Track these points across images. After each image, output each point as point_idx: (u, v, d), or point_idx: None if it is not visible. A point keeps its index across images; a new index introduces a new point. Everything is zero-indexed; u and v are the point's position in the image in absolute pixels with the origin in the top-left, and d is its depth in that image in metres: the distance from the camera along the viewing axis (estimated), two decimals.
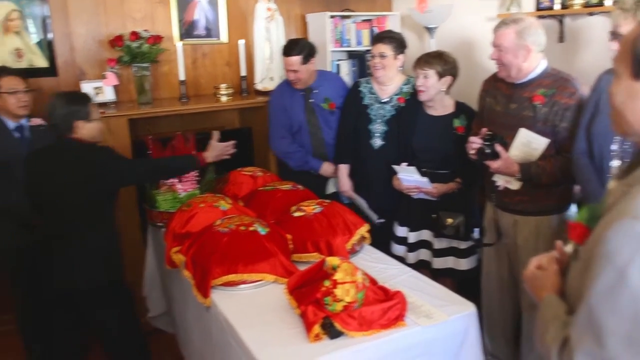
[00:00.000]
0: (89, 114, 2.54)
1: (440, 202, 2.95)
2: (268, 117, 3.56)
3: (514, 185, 2.56)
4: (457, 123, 2.98)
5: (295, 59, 3.30)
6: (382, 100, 3.24)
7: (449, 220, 2.86)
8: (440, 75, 2.92)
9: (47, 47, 3.50)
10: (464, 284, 2.99)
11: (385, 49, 3.14)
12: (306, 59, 3.32)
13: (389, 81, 3.23)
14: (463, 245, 2.95)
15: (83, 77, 3.57)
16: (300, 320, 1.94)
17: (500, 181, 2.60)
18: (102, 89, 3.47)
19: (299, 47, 3.32)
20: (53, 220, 2.56)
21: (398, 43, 3.19)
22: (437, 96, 2.97)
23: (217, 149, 2.98)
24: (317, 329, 1.86)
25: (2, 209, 2.91)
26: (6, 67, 3.09)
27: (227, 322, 2.04)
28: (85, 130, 2.53)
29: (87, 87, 3.43)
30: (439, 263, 3.02)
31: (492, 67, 2.76)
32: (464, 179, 2.94)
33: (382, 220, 3.22)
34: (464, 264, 2.99)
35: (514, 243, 2.65)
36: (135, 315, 2.78)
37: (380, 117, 3.22)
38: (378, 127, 3.23)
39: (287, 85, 3.50)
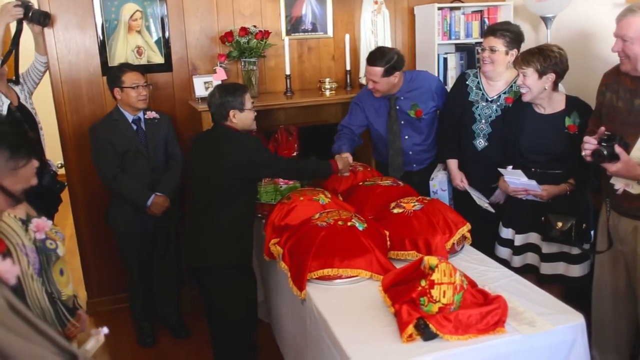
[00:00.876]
0: (242, 104, 2.68)
1: (550, 204, 2.76)
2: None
3: (635, 189, 2.33)
4: (568, 122, 2.76)
5: (377, 70, 3.11)
6: (489, 99, 3.09)
7: (559, 224, 2.67)
8: (541, 73, 2.69)
9: (164, 44, 3.71)
10: (572, 293, 2.78)
11: (497, 42, 2.97)
12: (388, 72, 3.12)
13: (497, 77, 3.07)
14: (575, 250, 2.74)
15: (195, 72, 3.75)
16: (394, 319, 1.92)
17: (619, 184, 2.38)
18: (211, 84, 3.62)
19: (384, 59, 3.10)
20: (198, 198, 2.74)
21: (512, 37, 2.98)
22: (543, 94, 2.76)
23: (348, 165, 3.04)
24: (410, 329, 1.82)
25: (123, 195, 3.13)
26: (128, 64, 3.33)
27: (321, 316, 2.05)
28: (237, 119, 2.68)
29: (198, 82, 3.61)
30: (548, 268, 2.82)
31: (615, 60, 2.53)
32: (576, 179, 2.73)
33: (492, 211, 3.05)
34: (575, 271, 2.78)
35: (633, 251, 2.42)
36: (253, 302, 2.89)
37: (485, 117, 3.07)
38: (482, 127, 3.08)
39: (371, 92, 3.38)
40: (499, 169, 2.83)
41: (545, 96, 2.76)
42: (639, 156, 2.27)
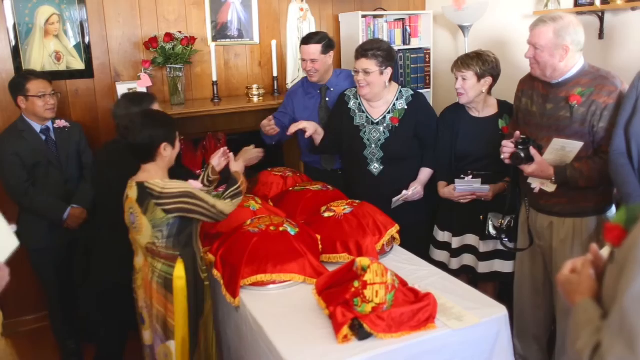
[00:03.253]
0: None
1: (487, 204, 2.87)
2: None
3: (550, 187, 2.49)
4: (502, 123, 2.91)
5: (315, 48, 3.19)
6: (374, 121, 3.01)
7: (500, 222, 2.78)
8: (479, 76, 2.83)
9: (85, 49, 3.57)
10: (505, 290, 2.92)
11: (369, 64, 2.88)
12: (325, 50, 3.23)
13: (376, 98, 2.99)
14: (510, 246, 2.84)
15: (118, 79, 3.64)
16: (329, 321, 1.94)
17: (536, 184, 2.53)
18: (135, 90, 3.53)
19: (318, 37, 3.24)
20: (98, 219, 2.64)
21: (384, 56, 2.89)
22: (479, 97, 2.89)
23: (249, 154, 2.87)
24: (345, 330, 1.86)
25: (36, 209, 2.98)
26: (33, 71, 3.14)
27: (256, 322, 2.05)
28: None
29: (121, 88, 3.49)
30: (485, 267, 2.94)
31: (528, 67, 2.69)
32: (512, 178, 2.84)
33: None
34: (509, 267, 2.90)
35: (549, 245, 2.58)
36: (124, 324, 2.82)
37: (374, 142, 3.00)
38: (374, 152, 3.01)
39: (302, 85, 3.46)
40: (456, 180, 2.88)
41: (481, 100, 2.90)
42: (551, 158, 2.43)
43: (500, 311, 2.01)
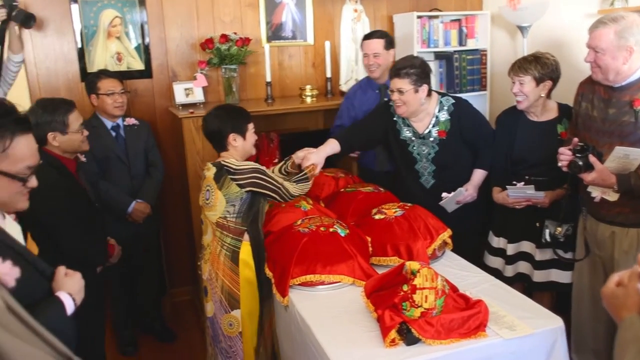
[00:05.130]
0: (65, 125, 2.43)
1: (544, 211, 2.77)
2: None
3: (612, 196, 2.38)
4: (561, 129, 2.80)
5: (378, 42, 3.26)
6: (421, 135, 2.96)
7: (558, 229, 2.69)
8: (538, 80, 2.73)
9: (144, 50, 3.69)
10: (561, 301, 2.82)
11: (403, 83, 2.80)
12: (387, 46, 3.29)
13: (415, 115, 2.92)
14: (567, 256, 2.74)
15: (175, 79, 3.74)
16: (377, 324, 1.92)
17: (596, 192, 2.43)
18: (192, 90, 3.62)
19: (380, 33, 3.33)
20: None
21: (418, 73, 2.81)
22: (538, 102, 2.80)
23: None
24: (393, 334, 1.84)
25: (103, 202, 3.09)
26: (105, 70, 3.30)
27: (304, 322, 2.05)
28: (58, 142, 2.44)
29: (178, 88, 3.60)
30: (541, 276, 2.84)
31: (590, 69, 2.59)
32: (571, 185, 2.74)
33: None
34: (567, 277, 2.79)
35: (610, 256, 2.47)
36: None
37: (424, 156, 2.97)
38: (426, 166, 2.99)
39: (361, 85, 3.48)
40: (508, 187, 2.81)
41: (539, 104, 2.80)
42: (612, 166, 2.32)
43: (556, 322, 1.94)
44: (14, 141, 1.42)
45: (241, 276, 2.45)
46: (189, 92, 3.62)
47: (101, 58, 3.59)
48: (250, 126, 2.56)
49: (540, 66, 2.73)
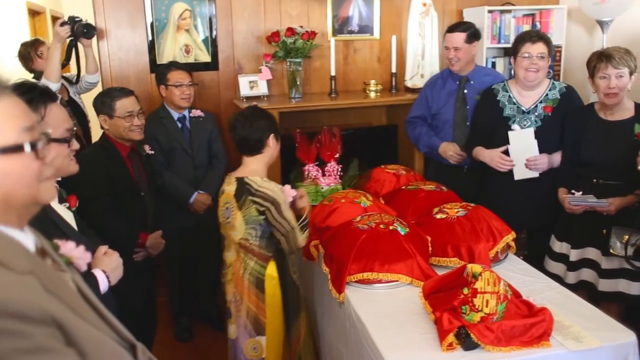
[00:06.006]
0: (112, 110, 2.57)
1: (612, 217, 2.60)
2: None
3: None
4: (638, 129, 2.61)
5: (459, 36, 3.18)
6: (526, 110, 2.94)
7: (625, 237, 2.52)
8: (631, 73, 2.58)
9: (211, 43, 3.76)
10: (632, 313, 2.64)
11: (545, 49, 2.84)
12: (470, 39, 3.20)
13: (537, 86, 2.93)
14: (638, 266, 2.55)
15: (240, 71, 3.79)
16: (434, 326, 1.87)
17: None
18: (256, 83, 3.65)
19: (464, 26, 3.25)
20: None
21: (551, 45, 2.91)
22: (621, 97, 2.63)
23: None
24: (451, 337, 1.78)
25: (167, 191, 3.17)
26: (175, 62, 3.37)
27: (360, 320, 2.02)
28: (108, 125, 2.60)
29: (243, 81, 3.64)
30: (607, 285, 2.65)
31: None
32: None
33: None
34: (637, 288, 2.60)
35: None
36: None
37: None
38: None
39: (442, 75, 3.41)
40: (566, 197, 2.69)
41: (620, 99, 2.64)
42: None
43: (628, 337, 1.82)
44: (47, 109, 1.59)
45: (268, 303, 2.33)
46: (254, 84, 3.65)
47: (170, 50, 3.68)
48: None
49: (632, 58, 2.59)
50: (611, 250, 2.56)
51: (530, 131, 2.87)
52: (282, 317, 2.37)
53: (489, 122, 3.01)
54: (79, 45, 3.26)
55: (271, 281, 2.32)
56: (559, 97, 2.90)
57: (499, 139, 2.93)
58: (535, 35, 2.91)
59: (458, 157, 3.18)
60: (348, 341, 2.18)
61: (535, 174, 2.87)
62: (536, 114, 2.92)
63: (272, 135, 2.37)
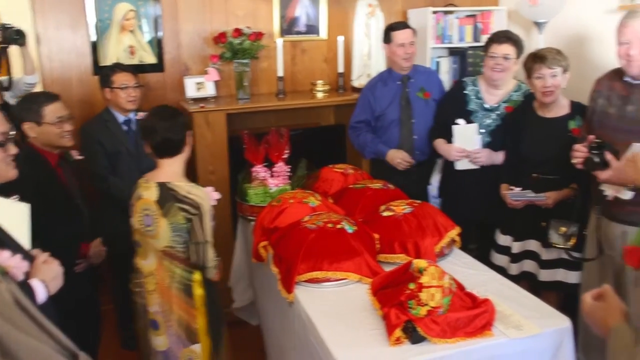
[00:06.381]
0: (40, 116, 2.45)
1: (551, 210, 2.75)
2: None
3: (626, 195, 2.33)
4: (572, 125, 2.75)
5: (410, 32, 3.32)
6: (489, 107, 3.09)
7: (562, 229, 2.65)
8: (564, 72, 2.73)
9: (157, 44, 3.70)
10: (570, 300, 2.77)
11: (511, 50, 2.99)
12: (414, 36, 3.36)
13: (503, 85, 3.09)
14: (578, 255, 2.69)
15: (187, 73, 3.74)
16: (382, 322, 1.91)
17: (610, 191, 2.38)
18: (203, 84, 3.62)
19: (408, 24, 3.40)
20: None
21: (520, 47, 3.05)
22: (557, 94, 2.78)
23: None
24: (398, 332, 1.82)
25: (112, 195, 3.10)
26: (119, 64, 3.30)
27: (309, 319, 2.04)
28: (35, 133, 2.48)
29: (189, 83, 3.60)
30: (547, 275, 2.81)
31: (608, 65, 2.53)
32: (580, 184, 2.71)
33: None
34: (573, 277, 2.76)
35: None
36: None
37: (484, 127, 3.08)
38: (483, 138, 3.08)
39: (382, 77, 3.48)
40: (506, 193, 2.83)
41: (556, 97, 2.77)
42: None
43: (563, 322, 1.91)
44: None
45: (198, 308, 2.21)
46: (201, 86, 3.62)
47: (114, 52, 3.61)
48: None
49: (563, 57, 2.73)
50: (550, 242, 2.68)
51: (474, 126, 2.98)
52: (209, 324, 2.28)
53: (452, 113, 3.13)
54: (13, 47, 3.13)
55: (198, 286, 2.21)
56: (522, 99, 3.02)
57: None
58: (503, 36, 3.05)
59: (406, 164, 3.25)
60: (297, 341, 2.19)
61: (476, 166, 3.03)
62: (498, 112, 3.06)
63: (188, 132, 2.32)
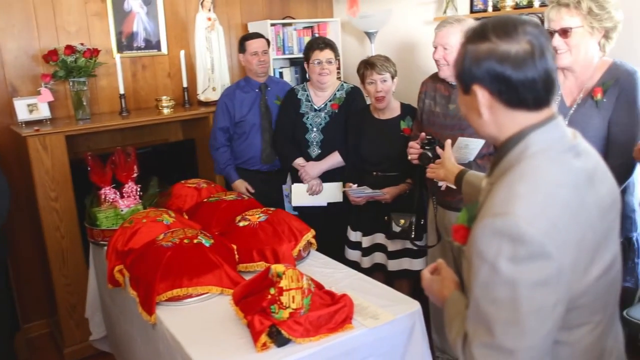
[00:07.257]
0: None
1: (392, 204, 2.98)
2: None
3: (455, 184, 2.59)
4: (403, 125, 3.02)
5: (264, 42, 3.50)
6: (317, 108, 3.34)
7: (401, 221, 2.89)
8: (393, 77, 2.98)
9: None
10: (419, 286, 3.01)
11: (332, 55, 3.26)
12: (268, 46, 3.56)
13: (328, 87, 3.33)
14: (420, 244, 2.97)
15: (15, 94, 3.44)
16: (248, 330, 1.92)
17: (442, 182, 2.63)
18: (36, 106, 3.36)
19: (262, 34, 3.58)
20: None
21: (336, 50, 3.35)
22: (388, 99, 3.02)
23: None
24: (264, 338, 1.85)
25: None
26: None
27: (174, 338, 2.00)
28: None
29: (20, 104, 3.32)
30: (394, 265, 3.04)
31: (432, 69, 2.80)
32: (414, 179, 2.97)
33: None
34: (418, 264, 3.01)
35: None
36: None
37: (316, 126, 3.32)
38: (315, 136, 3.33)
39: (239, 85, 3.58)
40: (344, 190, 3.05)
41: (388, 101, 3.00)
42: (456, 156, 2.52)
43: (413, 306, 2.08)
44: None
45: None
46: (33, 108, 3.36)
47: None
48: None
49: (391, 63, 2.99)
50: (392, 233, 2.91)
51: (339, 184, 3.27)
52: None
53: (289, 116, 3.36)
54: None
55: None
56: (345, 96, 3.30)
57: (298, 132, 3.32)
58: (322, 43, 3.31)
59: (249, 195, 3.32)
60: None
61: (322, 203, 3.35)
62: (325, 111, 3.30)
63: None
